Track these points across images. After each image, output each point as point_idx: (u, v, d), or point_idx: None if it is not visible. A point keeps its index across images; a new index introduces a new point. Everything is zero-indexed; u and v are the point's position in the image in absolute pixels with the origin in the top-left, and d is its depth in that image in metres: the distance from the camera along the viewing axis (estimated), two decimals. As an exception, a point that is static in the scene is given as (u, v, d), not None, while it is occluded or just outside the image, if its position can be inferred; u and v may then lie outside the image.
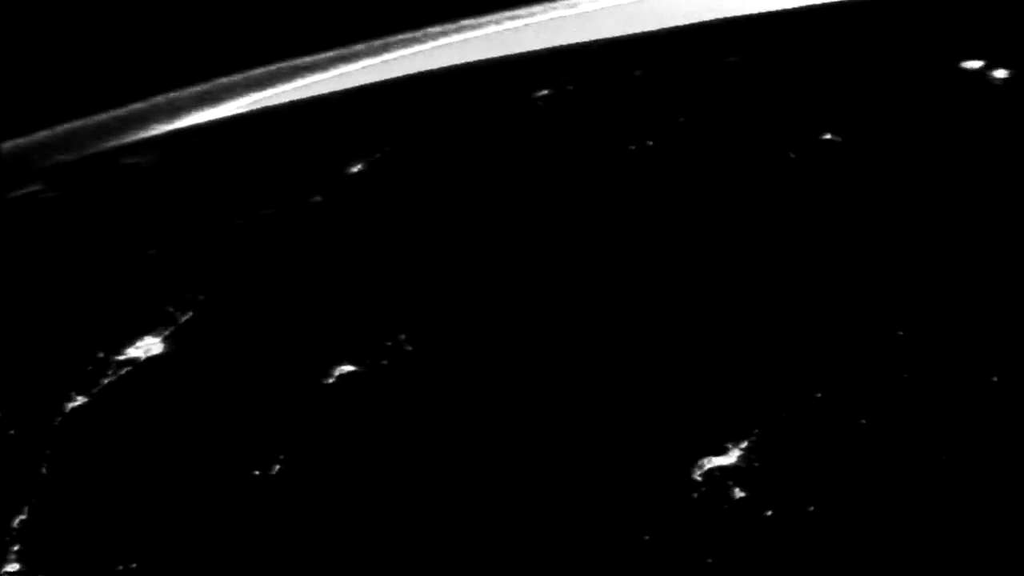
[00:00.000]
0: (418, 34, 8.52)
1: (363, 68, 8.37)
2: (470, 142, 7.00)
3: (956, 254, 5.40)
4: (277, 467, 4.77)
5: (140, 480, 4.83)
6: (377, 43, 8.48)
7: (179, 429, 5.07)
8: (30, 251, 6.66)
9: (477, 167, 6.70)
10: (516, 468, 4.62)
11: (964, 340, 4.89)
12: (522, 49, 8.24)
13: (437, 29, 8.54)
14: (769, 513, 4.26)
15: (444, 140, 7.06)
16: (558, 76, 7.57)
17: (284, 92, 8.24)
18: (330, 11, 8.54)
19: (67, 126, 8.02)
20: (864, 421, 4.56)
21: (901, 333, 4.96)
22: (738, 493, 4.34)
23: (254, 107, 8.13)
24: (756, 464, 4.44)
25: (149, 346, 5.53)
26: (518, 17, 8.57)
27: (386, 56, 8.43)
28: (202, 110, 8.12)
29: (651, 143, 6.59)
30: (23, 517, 4.70)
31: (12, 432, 5.15)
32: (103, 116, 8.07)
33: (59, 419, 5.16)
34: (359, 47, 8.47)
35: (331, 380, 5.17)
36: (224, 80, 8.28)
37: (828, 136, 6.41)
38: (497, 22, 8.55)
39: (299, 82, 8.31)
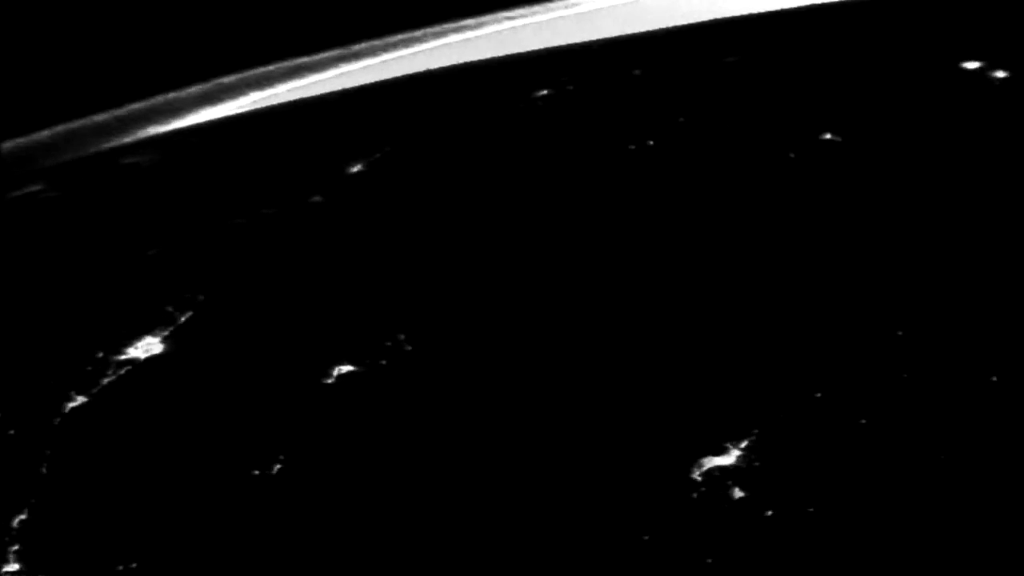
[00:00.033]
0: (418, 34, 8.53)
1: (363, 68, 8.37)
2: (470, 142, 7.00)
3: (956, 254, 5.40)
4: (277, 467, 4.77)
5: (140, 480, 4.83)
6: (377, 43, 8.48)
7: (179, 429, 5.06)
8: (30, 251, 6.66)
9: (477, 167, 6.70)
10: (516, 468, 4.61)
11: (963, 340, 4.89)
12: (522, 49, 8.24)
13: (437, 29, 8.54)
14: (769, 513, 4.26)
15: (444, 140, 7.06)
16: (558, 76, 7.57)
17: (284, 92, 8.24)
18: (330, 11, 8.54)
19: (67, 126, 8.02)
20: (864, 421, 4.56)
21: (901, 333, 4.96)
22: (738, 493, 4.34)
23: (254, 107, 8.13)
24: (756, 464, 4.44)
25: (149, 346, 5.53)
26: (518, 17, 8.57)
27: (386, 56, 8.43)
28: (202, 110, 8.12)
29: (651, 143, 6.60)
30: (23, 517, 4.69)
31: (12, 432, 5.14)
32: (103, 116, 8.07)
33: (59, 419, 5.16)
34: (359, 47, 8.47)
35: (331, 380, 5.17)
36: (224, 80, 8.28)
37: (828, 136, 6.41)
38: (497, 22, 8.55)
39: (299, 82, 8.31)
